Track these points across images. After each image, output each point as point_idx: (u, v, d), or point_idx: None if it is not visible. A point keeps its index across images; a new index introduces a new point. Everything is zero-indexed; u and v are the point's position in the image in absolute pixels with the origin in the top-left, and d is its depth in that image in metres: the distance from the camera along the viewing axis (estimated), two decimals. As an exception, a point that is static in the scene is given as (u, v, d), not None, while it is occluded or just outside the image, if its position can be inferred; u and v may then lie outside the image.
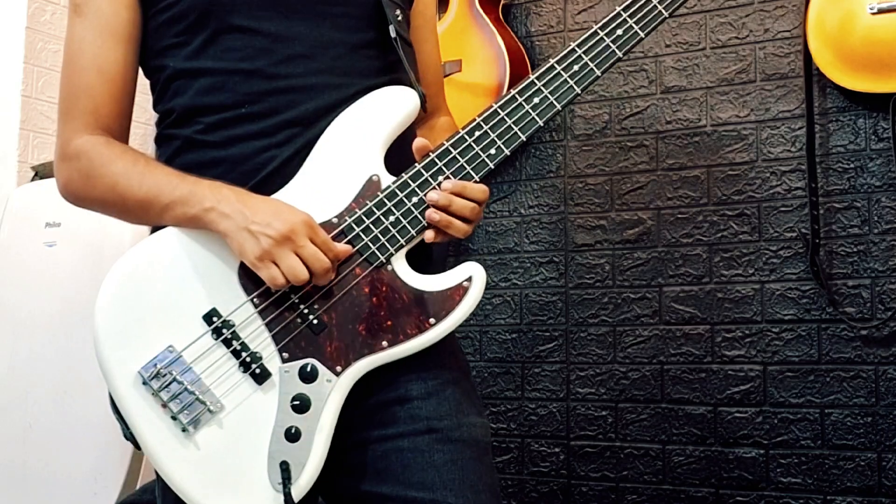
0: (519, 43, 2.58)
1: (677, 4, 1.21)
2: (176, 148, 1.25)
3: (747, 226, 2.37)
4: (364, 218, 1.16)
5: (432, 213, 1.16)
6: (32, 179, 2.66)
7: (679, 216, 2.44)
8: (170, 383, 1.13)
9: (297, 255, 1.10)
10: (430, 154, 1.18)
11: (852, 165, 2.27)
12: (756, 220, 2.36)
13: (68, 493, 2.33)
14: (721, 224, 2.40)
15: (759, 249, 2.35)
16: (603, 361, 2.50)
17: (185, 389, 1.13)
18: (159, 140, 1.28)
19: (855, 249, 2.25)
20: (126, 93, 1.26)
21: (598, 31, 1.20)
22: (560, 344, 2.55)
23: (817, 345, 2.27)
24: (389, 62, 1.26)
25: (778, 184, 2.34)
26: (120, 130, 1.26)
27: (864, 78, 2.16)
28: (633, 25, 1.20)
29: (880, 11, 2.09)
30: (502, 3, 2.61)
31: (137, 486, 2.26)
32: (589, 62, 1.19)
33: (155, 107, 1.29)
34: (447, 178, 1.17)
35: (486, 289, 2.64)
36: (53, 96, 2.92)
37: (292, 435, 1.12)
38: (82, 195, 1.24)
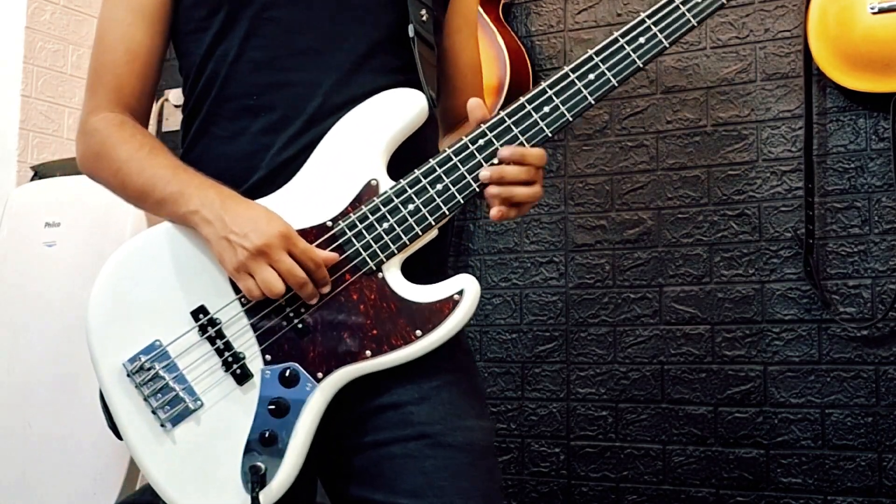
0: (519, 42, 2.58)
1: (706, 13, 1.15)
2: (191, 139, 1.26)
3: (748, 226, 2.36)
4: (357, 223, 1.14)
5: (491, 188, 1.13)
6: (32, 179, 2.66)
7: (679, 216, 2.44)
8: (151, 378, 1.13)
9: (274, 269, 1.09)
10: (430, 161, 1.16)
11: (852, 165, 2.27)
12: (756, 220, 2.36)
13: (68, 493, 2.32)
14: (721, 224, 2.39)
15: (759, 249, 2.35)
16: (603, 361, 2.49)
17: (167, 385, 1.13)
18: (182, 124, 1.29)
19: (855, 249, 2.25)
20: (151, 72, 1.26)
21: (619, 38, 1.15)
22: (560, 344, 2.55)
23: (817, 345, 2.27)
24: (406, 63, 1.23)
25: (778, 184, 2.34)
26: (141, 109, 1.27)
27: (865, 78, 2.15)
28: (658, 34, 1.15)
29: (881, 11, 2.09)
30: (502, 2, 2.61)
31: (137, 486, 2.25)
32: (606, 70, 1.15)
33: (183, 90, 1.30)
34: (445, 186, 1.14)
35: (486, 289, 2.64)
36: (53, 96, 2.92)
37: (267, 439, 1.10)
38: (93, 173, 1.26)
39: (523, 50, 2.58)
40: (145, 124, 1.28)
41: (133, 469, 2.27)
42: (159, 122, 3.08)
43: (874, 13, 2.10)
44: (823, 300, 2.24)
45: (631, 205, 2.50)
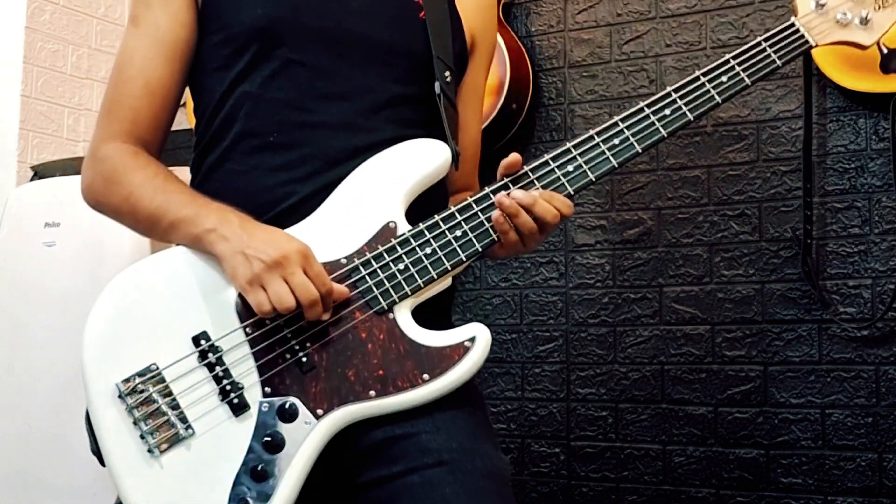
0: (519, 42, 2.58)
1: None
2: (204, 173, 1.24)
3: (748, 226, 2.36)
4: (373, 262, 1.13)
5: (497, 216, 1.14)
6: (32, 179, 2.66)
7: (679, 216, 2.44)
8: (144, 401, 1.09)
9: (287, 283, 1.07)
10: (451, 208, 1.16)
11: (852, 165, 2.27)
12: (756, 220, 2.35)
13: (68, 494, 2.32)
14: (721, 224, 2.39)
15: (759, 249, 2.35)
16: (603, 362, 2.49)
17: (159, 409, 1.09)
18: (194, 163, 1.28)
19: (855, 249, 2.25)
20: (167, 109, 1.26)
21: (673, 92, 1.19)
22: (560, 344, 2.55)
23: (818, 345, 2.27)
24: (427, 118, 1.24)
25: (778, 184, 2.34)
26: (155, 144, 1.26)
27: (865, 78, 2.15)
28: (712, 91, 1.19)
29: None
30: (502, 2, 2.61)
31: (137, 487, 2.25)
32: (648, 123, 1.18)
33: (196, 127, 1.29)
34: (464, 233, 1.14)
35: (486, 289, 2.64)
36: (53, 96, 2.91)
37: (258, 473, 1.07)
38: (101, 200, 1.23)
39: (523, 50, 2.58)
40: (159, 160, 1.27)
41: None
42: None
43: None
44: (822, 300, 2.24)
45: (631, 205, 2.50)
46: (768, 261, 2.33)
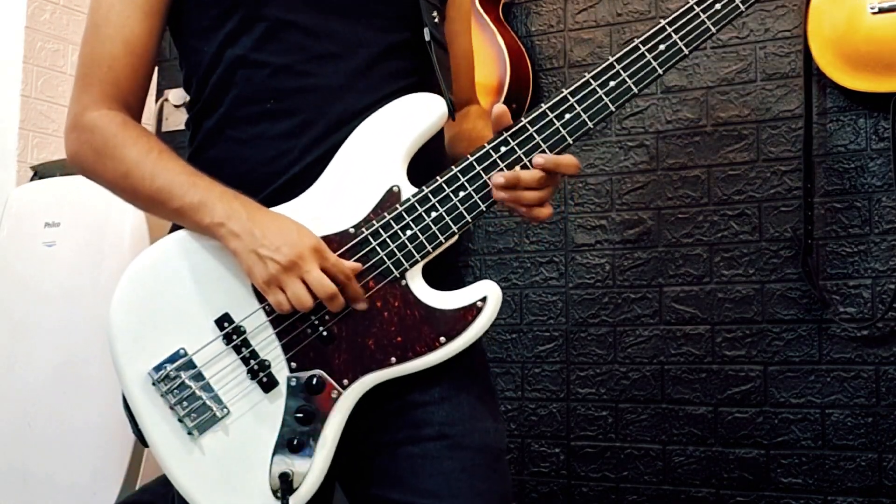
0: (519, 42, 2.58)
1: (726, 21, 1.16)
2: (203, 138, 1.23)
3: (748, 226, 2.36)
4: (381, 231, 1.14)
5: (499, 193, 1.14)
6: (32, 179, 2.66)
7: (679, 216, 2.44)
8: (178, 386, 1.12)
9: (304, 282, 1.09)
10: (453, 168, 1.16)
11: (852, 165, 2.27)
12: (756, 220, 2.35)
13: (68, 492, 2.32)
14: (721, 224, 2.39)
15: (759, 249, 2.35)
16: (603, 361, 2.49)
17: (193, 393, 1.12)
18: (189, 124, 1.27)
19: (855, 249, 2.25)
20: (147, 68, 1.24)
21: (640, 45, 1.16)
22: (560, 344, 2.55)
23: (817, 345, 2.27)
24: (421, 65, 1.24)
25: (778, 184, 2.34)
26: (137, 105, 1.24)
27: (865, 78, 2.15)
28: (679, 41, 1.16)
29: (881, 11, 2.09)
30: (502, 2, 2.61)
31: (137, 486, 2.25)
32: (627, 78, 1.16)
33: (186, 89, 1.28)
34: (468, 194, 1.15)
35: (486, 289, 2.64)
36: (53, 96, 2.92)
37: (295, 445, 1.11)
38: (91, 170, 1.22)
39: (523, 50, 2.58)
40: (140, 122, 1.25)
41: (133, 468, 2.27)
42: (159, 121, 3.08)
43: (874, 13, 2.10)
44: (821, 300, 2.24)
45: (631, 205, 2.50)
46: (768, 261, 2.33)
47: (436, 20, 1.24)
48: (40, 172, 2.63)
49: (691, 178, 2.44)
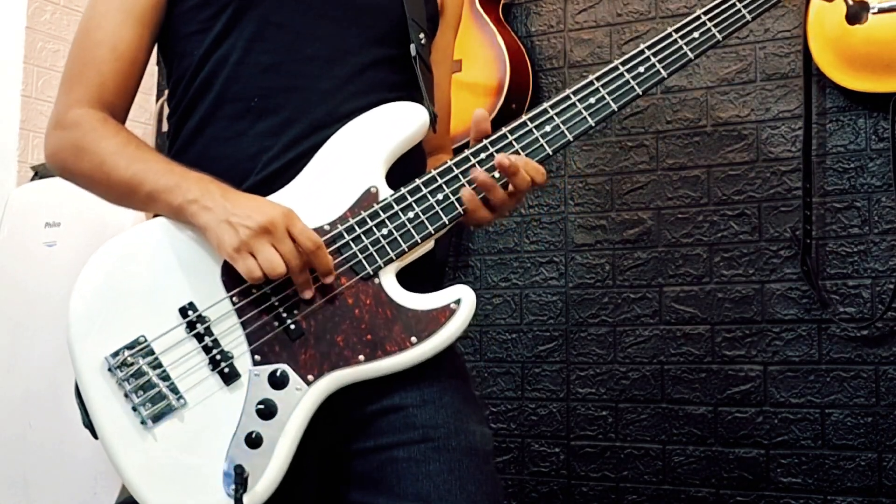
0: (519, 42, 2.58)
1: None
2: (183, 140, 1.24)
3: (747, 226, 2.36)
4: (356, 227, 1.14)
5: (466, 192, 1.14)
6: (32, 179, 2.66)
7: (679, 216, 2.44)
8: (134, 373, 1.10)
9: (275, 249, 1.07)
10: (432, 171, 1.16)
11: (852, 165, 2.27)
12: (756, 220, 2.36)
13: (68, 493, 2.32)
14: (721, 224, 2.39)
15: (759, 249, 2.35)
16: (603, 361, 2.49)
17: (150, 381, 1.10)
18: (172, 126, 1.27)
19: (855, 249, 2.25)
20: (134, 75, 1.24)
21: (645, 49, 1.19)
22: (560, 344, 2.55)
23: (817, 345, 2.27)
24: (407, 82, 1.25)
25: (778, 184, 2.34)
26: (121, 111, 1.25)
27: (865, 78, 2.16)
28: (684, 46, 1.19)
29: (881, 11, 2.09)
30: (502, 2, 2.61)
31: (137, 487, 2.25)
32: (631, 80, 1.18)
33: (170, 95, 1.28)
34: (446, 196, 1.15)
35: (486, 289, 2.64)
36: (53, 96, 2.91)
37: (253, 440, 1.07)
38: (69, 167, 1.23)
39: (523, 50, 2.58)
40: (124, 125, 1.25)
41: (133, 469, 2.27)
42: (159, 121, 3.08)
43: (874, 14, 2.10)
44: (821, 300, 2.24)
45: (631, 205, 2.50)
46: (768, 261, 2.34)
47: (422, 42, 1.26)
48: (41, 172, 2.63)
49: (691, 178, 2.44)
